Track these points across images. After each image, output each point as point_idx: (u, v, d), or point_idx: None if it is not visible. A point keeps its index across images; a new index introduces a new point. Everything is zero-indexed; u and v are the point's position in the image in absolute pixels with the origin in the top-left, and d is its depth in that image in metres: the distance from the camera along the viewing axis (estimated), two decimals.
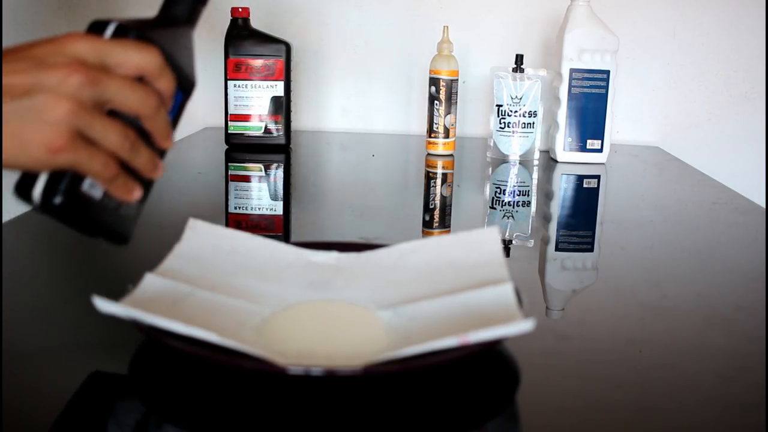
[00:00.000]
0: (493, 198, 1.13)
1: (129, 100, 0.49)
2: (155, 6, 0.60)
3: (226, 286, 0.58)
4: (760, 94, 1.51)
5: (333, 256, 0.64)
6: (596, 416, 0.47)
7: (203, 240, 0.61)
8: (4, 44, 1.53)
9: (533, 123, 1.28)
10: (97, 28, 0.51)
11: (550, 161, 1.30)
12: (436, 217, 0.98)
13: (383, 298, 0.59)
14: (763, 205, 1.05)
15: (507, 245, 0.89)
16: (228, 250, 0.62)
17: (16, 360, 0.51)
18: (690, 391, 0.50)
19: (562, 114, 1.28)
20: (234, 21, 1.32)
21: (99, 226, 0.52)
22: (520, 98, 1.28)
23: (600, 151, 1.26)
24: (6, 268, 0.67)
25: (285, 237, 0.86)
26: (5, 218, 0.80)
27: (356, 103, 1.58)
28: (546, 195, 1.13)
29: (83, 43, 0.47)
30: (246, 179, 1.22)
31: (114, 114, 0.49)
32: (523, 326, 0.47)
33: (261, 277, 0.60)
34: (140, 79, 0.50)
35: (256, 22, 1.37)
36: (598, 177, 1.20)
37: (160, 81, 0.51)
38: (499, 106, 1.29)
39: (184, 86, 0.57)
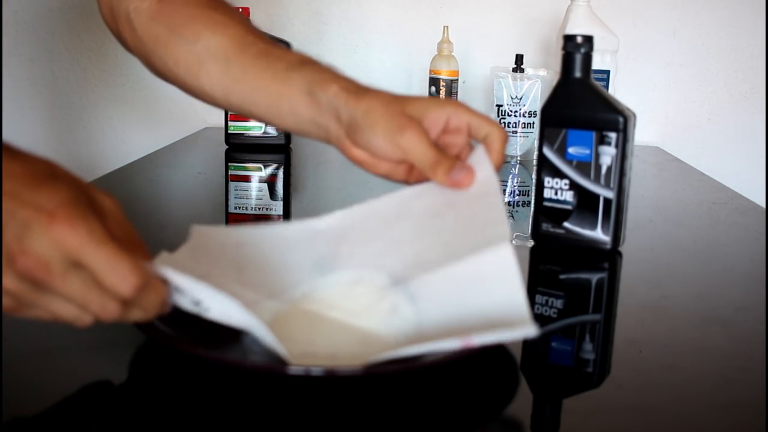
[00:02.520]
0: None
1: (61, 311, 0.44)
2: None
3: (234, 281, 0.58)
4: (760, 94, 1.50)
5: (337, 216, 0.64)
6: (596, 416, 0.47)
7: (208, 240, 0.61)
8: (4, 44, 1.53)
9: (533, 123, 1.28)
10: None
11: None
12: None
13: (387, 263, 0.59)
14: (763, 205, 1.05)
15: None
16: (234, 244, 0.62)
17: (16, 360, 0.51)
18: (690, 392, 0.50)
19: None
20: None
21: None
22: (520, 98, 1.28)
23: None
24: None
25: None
26: None
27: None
28: None
29: (66, 239, 0.42)
30: (246, 179, 1.22)
31: None
32: (527, 331, 0.47)
33: (268, 268, 0.60)
34: None
35: (256, 22, 1.36)
36: None
37: (135, 307, 0.46)
38: (499, 106, 1.29)
39: None
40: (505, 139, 0.63)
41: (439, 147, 0.63)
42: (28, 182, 0.43)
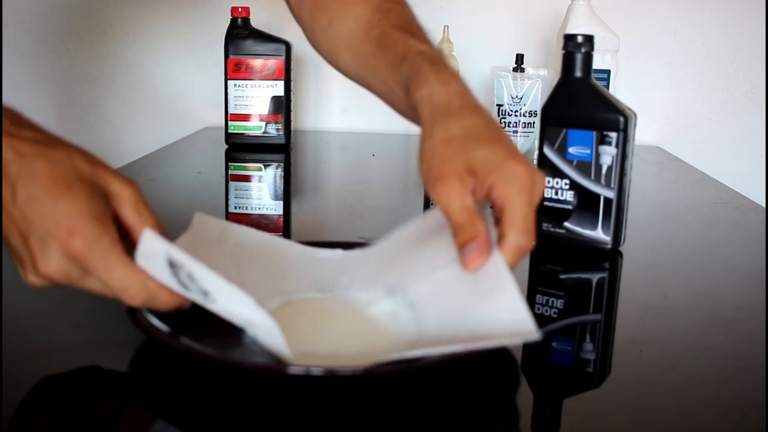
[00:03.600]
0: None
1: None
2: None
3: (232, 278, 0.58)
4: (761, 94, 1.50)
5: (338, 253, 0.64)
6: (597, 417, 0.47)
7: (209, 231, 0.61)
8: (4, 44, 1.53)
9: (534, 123, 1.28)
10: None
11: None
12: None
13: (382, 279, 0.59)
14: (764, 205, 1.05)
15: None
16: (233, 243, 0.61)
17: (16, 360, 0.51)
18: (690, 392, 0.50)
19: None
20: (234, 20, 1.32)
21: None
22: (521, 98, 1.28)
23: None
24: (6, 268, 0.66)
25: (285, 237, 0.86)
26: None
27: (356, 103, 1.58)
28: None
29: (80, 259, 0.47)
30: (246, 179, 1.22)
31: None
32: (529, 336, 0.47)
33: (266, 272, 0.60)
34: None
35: (256, 22, 1.36)
36: None
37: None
38: (499, 105, 1.29)
39: None
40: (518, 259, 0.54)
41: (472, 212, 0.54)
42: (49, 188, 0.47)
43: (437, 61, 0.62)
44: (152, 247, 0.48)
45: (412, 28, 0.69)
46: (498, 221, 0.54)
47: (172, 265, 0.48)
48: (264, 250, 0.62)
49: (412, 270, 0.58)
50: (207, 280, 0.48)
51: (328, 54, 0.78)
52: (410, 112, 0.63)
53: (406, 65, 0.63)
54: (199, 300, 0.49)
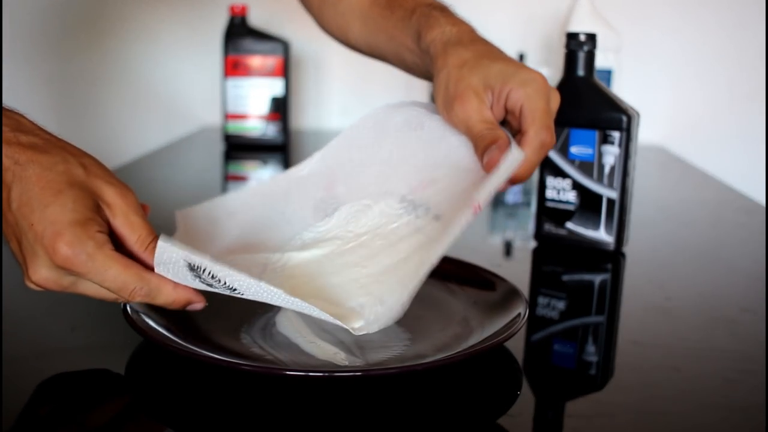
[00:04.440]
0: (493, 197, 1.12)
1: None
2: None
3: (238, 246, 0.58)
4: (763, 94, 1.50)
5: (316, 157, 0.64)
6: (599, 419, 0.47)
7: (197, 221, 0.60)
8: (4, 44, 1.53)
9: None
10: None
11: None
12: None
13: (390, 188, 0.59)
14: (765, 205, 1.05)
15: (508, 246, 0.89)
16: (226, 215, 0.61)
17: (16, 361, 0.50)
18: (693, 394, 0.50)
19: None
20: (232, 19, 1.31)
21: None
22: None
23: None
24: (6, 268, 0.66)
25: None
26: None
27: (356, 103, 1.57)
28: None
29: (67, 264, 0.46)
30: (244, 179, 1.22)
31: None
32: (515, 156, 0.49)
33: (268, 225, 0.60)
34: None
35: (255, 20, 1.36)
36: None
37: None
38: None
39: None
40: (542, 154, 0.56)
41: (492, 123, 0.57)
42: (39, 194, 0.46)
43: (446, 9, 0.66)
44: (169, 255, 0.47)
45: None
46: (519, 129, 0.57)
47: (193, 269, 0.47)
48: (256, 207, 0.62)
49: (423, 177, 0.59)
50: (231, 279, 0.47)
51: (338, 30, 0.80)
52: (420, 61, 0.66)
53: (416, 15, 0.66)
54: (227, 293, 0.49)
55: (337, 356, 0.50)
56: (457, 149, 0.59)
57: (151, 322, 0.51)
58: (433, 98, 0.62)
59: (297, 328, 0.54)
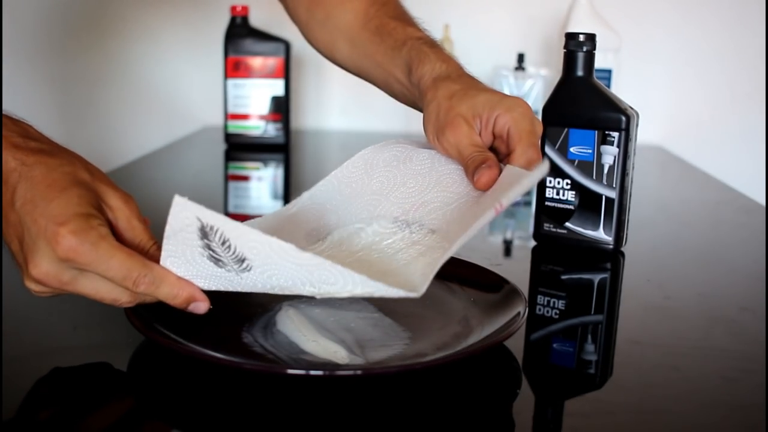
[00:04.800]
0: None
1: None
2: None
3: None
4: (763, 93, 1.50)
5: (305, 197, 0.64)
6: (598, 418, 0.47)
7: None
8: (6, 44, 1.53)
9: None
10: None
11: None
12: None
13: (382, 212, 0.60)
14: (764, 205, 1.05)
15: (508, 245, 0.89)
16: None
17: (15, 361, 0.50)
18: (693, 393, 0.50)
19: None
20: (233, 19, 1.32)
21: None
22: (522, 97, 1.27)
23: None
24: (6, 267, 0.66)
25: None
26: None
27: (356, 103, 1.57)
28: None
29: (69, 254, 0.46)
30: (245, 179, 1.22)
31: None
32: (542, 168, 0.51)
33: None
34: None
35: (256, 21, 1.36)
36: None
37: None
38: None
39: None
40: (529, 181, 0.57)
41: (481, 146, 0.61)
42: (44, 191, 0.47)
43: (435, 45, 0.69)
44: (182, 218, 0.46)
45: (407, 18, 0.75)
46: (507, 152, 0.60)
47: (204, 234, 0.46)
48: (248, 234, 0.62)
49: (416, 200, 0.60)
50: (243, 241, 0.46)
51: (325, 47, 0.82)
52: (409, 93, 0.69)
53: (406, 48, 0.69)
54: (233, 275, 0.48)
55: (338, 355, 0.50)
56: (447, 176, 0.62)
57: (152, 322, 0.51)
58: (424, 130, 0.65)
59: (298, 327, 0.54)
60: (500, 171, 0.59)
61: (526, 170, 0.56)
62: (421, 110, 0.68)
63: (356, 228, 0.61)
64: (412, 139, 0.68)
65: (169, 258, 0.48)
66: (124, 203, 0.50)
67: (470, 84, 0.64)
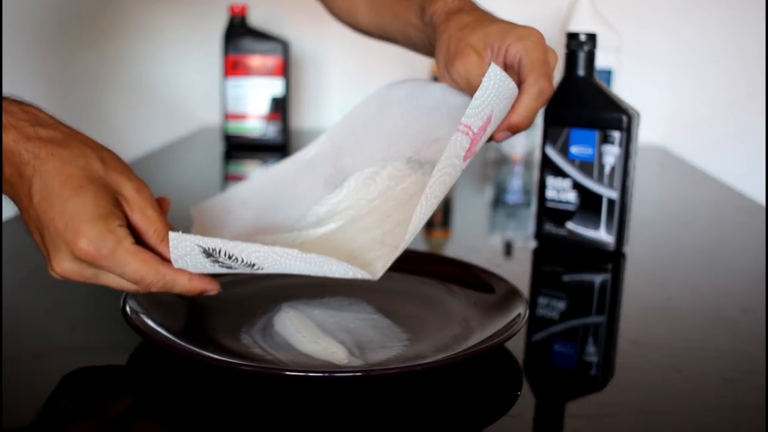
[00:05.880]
0: (494, 198, 1.12)
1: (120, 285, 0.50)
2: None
3: (253, 230, 0.58)
4: (764, 93, 1.50)
5: (322, 138, 0.65)
6: (599, 419, 0.47)
7: (211, 212, 0.61)
8: (5, 43, 1.52)
9: (535, 122, 1.27)
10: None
11: None
12: (437, 216, 0.97)
13: (396, 152, 0.60)
14: (765, 205, 1.04)
15: (508, 246, 0.89)
16: (239, 204, 0.62)
17: (15, 361, 0.50)
18: (694, 394, 0.50)
19: None
20: (232, 19, 1.31)
21: None
22: None
23: None
24: (6, 268, 0.66)
25: None
26: (5, 217, 0.80)
27: (355, 102, 1.57)
28: None
29: (89, 257, 0.47)
30: (244, 178, 1.22)
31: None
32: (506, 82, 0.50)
33: (280, 206, 0.61)
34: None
35: (255, 20, 1.36)
36: None
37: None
38: None
39: None
40: (540, 102, 0.58)
41: None
42: (59, 189, 0.47)
43: None
44: (183, 246, 0.47)
45: None
46: (517, 83, 0.58)
47: (209, 254, 0.48)
48: (266, 191, 0.63)
49: (428, 137, 0.60)
50: (247, 254, 0.47)
51: (346, 13, 0.83)
52: (424, 35, 0.68)
53: None
54: (248, 271, 0.49)
55: (337, 356, 0.50)
56: (458, 109, 0.60)
57: (150, 323, 0.51)
58: (436, 62, 0.64)
59: (297, 329, 0.54)
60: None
61: (515, 88, 0.56)
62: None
63: (372, 172, 0.61)
64: (424, 78, 0.68)
65: (179, 262, 0.48)
66: (138, 192, 0.50)
67: (483, 16, 0.62)
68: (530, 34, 0.59)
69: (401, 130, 0.62)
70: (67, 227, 0.46)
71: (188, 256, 0.48)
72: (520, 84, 0.58)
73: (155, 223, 0.50)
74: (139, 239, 0.49)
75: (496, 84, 0.53)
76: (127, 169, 0.51)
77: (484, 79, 0.52)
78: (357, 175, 0.61)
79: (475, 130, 0.52)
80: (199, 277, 0.50)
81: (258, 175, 0.66)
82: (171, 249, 0.48)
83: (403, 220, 0.55)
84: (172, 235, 0.47)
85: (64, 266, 0.48)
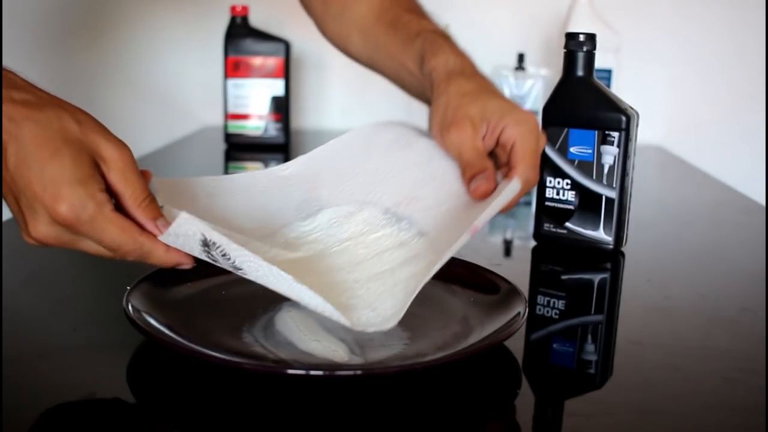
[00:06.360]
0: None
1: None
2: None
3: (224, 228, 0.58)
4: (764, 93, 1.50)
5: (300, 162, 0.65)
6: (598, 418, 0.47)
7: (175, 190, 0.60)
8: (5, 42, 1.53)
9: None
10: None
11: None
12: None
13: (375, 198, 0.60)
14: (765, 205, 1.05)
15: (508, 245, 0.89)
16: (206, 195, 0.61)
17: (15, 361, 0.50)
18: (693, 393, 0.50)
19: None
20: (233, 19, 1.32)
21: None
22: (522, 97, 1.27)
23: None
24: (6, 268, 0.66)
25: None
26: (5, 217, 0.80)
27: (356, 103, 1.57)
28: None
29: (69, 223, 0.47)
30: None
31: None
32: (513, 187, 0.52)
33: (248, 213, 0.60)
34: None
35: (256, 21, 1.36)
36: None
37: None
38: None
39: None
40: (524, 191, 0.61)
41: (482, 153, 0.62)
42: (36, 152, 0.46)
43: (449, 38, 0.70)
44: (186, 228, 0.48)
45: (421, 11, 0.76)
46: (506, 162, 0.61)
47: (206, 244, 0.48)
48: (237, 194, 0.62)
49: (410, 193, 0.60)
50: (242, 260, 0.48)
51: (338, 39, 0.83)
52: (419, 84, 0.70)
53: (420, 39, 0.69)
54: (229, 269, 0.50)
55: (338, 355, 0.50)
56: (444, 173, 0.62)
57: (153, 322, 0.51)
58: (429, 120, 0.65)
59: (298, 327, 0.54)
60: (496, 185, 0.60)
61: (512, 189, 0.58)
62: (429, 102, 0.68)
63: (347, 212, 0.61)
64: (412, 125, 0.68)
65: (170, 238, 0.49)
66: (118, 152, 0.49)
67: (483, 86, 0.64)
68: (527, 120, 0.62)
69: (383, 177, 0.63)
70: (46, 191, 0.46)
71: (183, 237, 0.48)
72: (508, 165, 0.62)
73: (133, 186, 0.49)
74: (117, 202, 0.49)
75: (509, 195, 0.56)
76: (104, 129, 0.50)
77: (506, 189, 0.55)
78: (331, 211, 0.61)
79: (480, 228, 0.54)
80: (176, 250, 0.50)
81: (227, 175, 0.65)
82: (174, 225, 0.48)
83: (373, 276, 0.55)
84: (184, 215, 0.47)
85: (41, 230, 0.47)
